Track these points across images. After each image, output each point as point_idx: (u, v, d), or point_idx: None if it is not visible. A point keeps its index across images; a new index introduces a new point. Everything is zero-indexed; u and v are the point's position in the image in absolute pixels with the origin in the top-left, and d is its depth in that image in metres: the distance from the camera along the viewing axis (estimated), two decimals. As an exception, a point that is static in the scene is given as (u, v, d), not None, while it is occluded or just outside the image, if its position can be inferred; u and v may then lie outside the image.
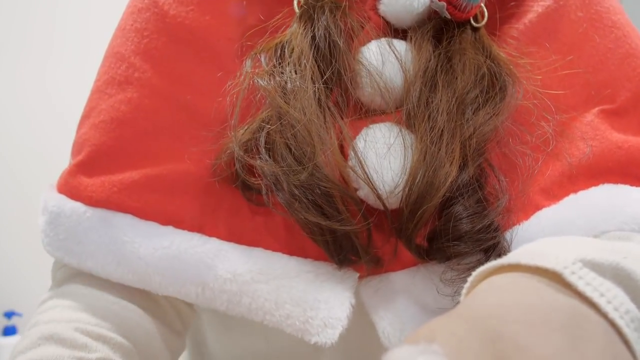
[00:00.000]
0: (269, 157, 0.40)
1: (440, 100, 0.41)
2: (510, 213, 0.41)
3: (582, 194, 0.42)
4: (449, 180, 0.38)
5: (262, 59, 0.43)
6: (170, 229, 0.42)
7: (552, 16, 0.46)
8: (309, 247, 0.42)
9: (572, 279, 0.27)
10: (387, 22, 0.45)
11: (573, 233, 0.40)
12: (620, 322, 0.26)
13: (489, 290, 0.28)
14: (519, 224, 0.41)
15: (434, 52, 0.43)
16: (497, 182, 0.41)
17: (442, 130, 0.40)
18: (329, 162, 0.39)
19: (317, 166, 0.38)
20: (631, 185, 0.42)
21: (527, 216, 0.41)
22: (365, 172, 0.39)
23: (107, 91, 0.45)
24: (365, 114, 0.43)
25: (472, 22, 0.45)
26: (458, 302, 0.39)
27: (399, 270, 0.43)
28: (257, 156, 0.41)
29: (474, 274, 0.31)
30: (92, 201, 0.43)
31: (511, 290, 0.27)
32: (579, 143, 0.43)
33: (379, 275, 0.43)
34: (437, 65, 0.42)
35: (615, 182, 0.42)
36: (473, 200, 0.40)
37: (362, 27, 0.44)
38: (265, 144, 0.41)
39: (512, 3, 0.47)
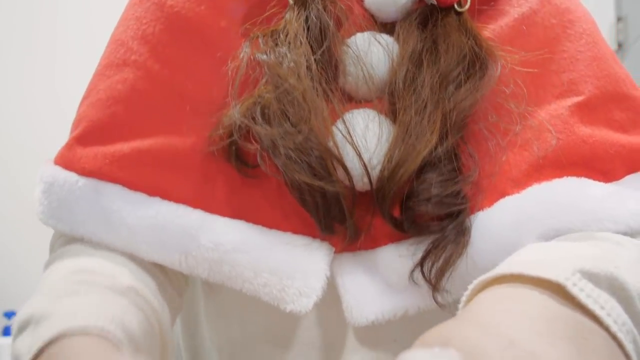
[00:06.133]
0: (266, 123, 0.43)
1: (425, 77, 0.43)
2: (479, 190, 0.43)
3: (545, 185, 0.43)
4: (429, 147, 0.41)
5: (260, 41, 0.46)
6: (157, 200, 0.45)
7: (527, 22, 0.49)
8: (290, 220, 0.45)
9: (574, 291, 0.28)
10: (372, 16, 0.48)
11: (530, 224, 0.42)
12: (620, 335, 0.27)
13: (495, 299, 0.29)
14: (482, 210, 0.43)
15: (419, 36, 0.46)
16: (469, 158, 0.44)
17: (425, 102, 0.42)
18: (321, 128, 0.41)
19: (312, 130, 0.41)
20: (593, 179, 0.44)
21: (491, 203, 0.43)
22: (353, 140, 0.42)
23: (106, 73, 0.48)
24: (348, 102, 0.46)
25: (456, 7, 0.47)
26: (413, 276, 0.42)
27: (369, 248, 0.45)
28: (254, 122, 0.43)
29: (475, 282, 0.32)
30: (84, 171, 0.45)
31: (517, 300, 0.28)
32: (546, 134, 0.45)
33: (352, 252, 0.45)
34: (422, 47, 0.45)
35: (579, 175, 0.44)
36: (447, 169, 0.42)
37: (347, 18, 0.47)
38: (262, 113, 0.43)
39: (492, 3, 0.50)
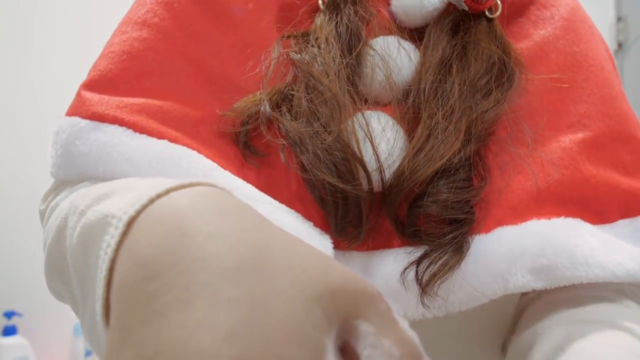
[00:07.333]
0: (292, 119, 0.43)
1: (454, 83, 0.44)
2: (485, 205, 0.43)
3: (543, 223, 0.43)
4: (452, 152, 0.41)
5: (292, 42, 0.47)
6: (165, 142, 0.42)
7: (548, 47, 0.49)
8: (295, 203, 0.43)
9: None
10: (397, 21, 0.49)
11: (523, 259, 0.42)
12: None
13: None
14: (479, 234, 0.43)
15: (449, 42, 0.46)
16: (482, 170, 0.44)
17: (453, 108, 0.43)
18: (349, 130, 0.42)
19: (341, 132, 0.41)
20: (588, 219, 0.45)
21: (488, 229, 0.43)
22: (373, 142, 0.42)
23: (122, 29, 0.47)
24: (367, 105, 0.46)
25: (487, 13, 0.48)
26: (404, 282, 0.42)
27: (363, 250, 0.44)
28: (282, 117, 0.43)
29: None
30: (88, 113, 0.43)
31: None
32: (550, 167, 0.45)
33: (344, 251, 0.44)
34: (452, 53, 0.45)
35: (576, 214, 0.44)
36: (461, 177, 0.42)
37: (372, 20, 0.48)
38: (289, 109, 0.43)
39: (519, 19, 0.50)
